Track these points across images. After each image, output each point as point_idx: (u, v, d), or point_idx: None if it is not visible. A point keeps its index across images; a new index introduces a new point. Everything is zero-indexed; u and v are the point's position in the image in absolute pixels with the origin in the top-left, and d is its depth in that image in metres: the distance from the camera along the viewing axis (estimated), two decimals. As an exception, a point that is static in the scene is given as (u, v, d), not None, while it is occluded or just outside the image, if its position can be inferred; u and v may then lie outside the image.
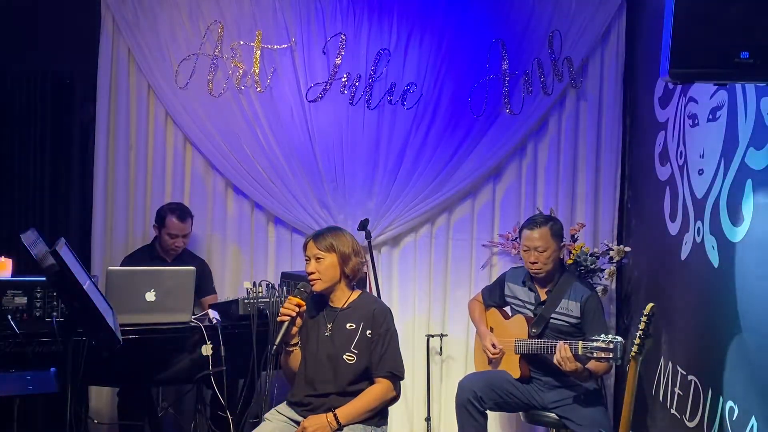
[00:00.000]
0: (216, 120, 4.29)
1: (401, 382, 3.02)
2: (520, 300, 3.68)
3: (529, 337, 3.51)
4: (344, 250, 2.93)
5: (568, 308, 3.50)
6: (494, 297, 3.83)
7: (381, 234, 4.39)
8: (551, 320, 3.51)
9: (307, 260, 2.97)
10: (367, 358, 2.92)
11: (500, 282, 3.82)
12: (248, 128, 4.30)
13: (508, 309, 3.81)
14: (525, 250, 3.57)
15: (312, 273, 2.93)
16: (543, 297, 3.57)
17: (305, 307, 2.92)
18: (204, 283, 4.09)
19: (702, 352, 3.21)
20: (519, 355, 3.54)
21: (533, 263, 3.53)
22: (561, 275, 3.59)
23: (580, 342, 3.21)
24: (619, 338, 3.08)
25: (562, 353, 3.25)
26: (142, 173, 4.30)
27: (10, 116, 4.19)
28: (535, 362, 3.53)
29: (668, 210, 3.66)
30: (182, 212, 4.01)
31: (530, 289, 3.63)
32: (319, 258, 2.93)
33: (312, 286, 2.94)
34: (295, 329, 2.92)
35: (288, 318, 2.86)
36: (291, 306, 2.87)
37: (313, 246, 2.94)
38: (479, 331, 3.79)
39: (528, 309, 3.62)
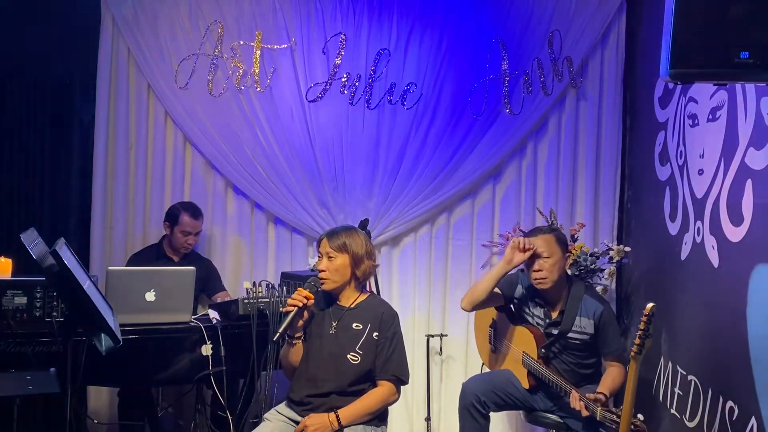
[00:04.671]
0: (216, 120, 4.29)
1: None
2: (529, 311, 3.49)
3: (539, 357, 3.35)
4: (357, 251, 2.93)
5: (582, 326, 3.33)
6: (509, 288, 3.51)
7: (381, 234, 4.39)
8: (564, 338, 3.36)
9: (319, 257, 2.98)
10: (371, 360, 2.91)
11: (514, 281, 3.55)
12: (248, 128, 4.30)
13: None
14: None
15: (323, 271, 2.93)
16: (554, 315, 3.39)
17: (313, 301, 2.90)
18: (214, 282, 4.17)
19: (702, 352, 3.21)
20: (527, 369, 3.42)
21: (537, 271, 3.29)
22: (569, 291, 3.37)
23: (599, 409, 2.95)
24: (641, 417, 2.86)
25: (576, 405, 3.05)
26: (142, 173, 4.30)
27: (10, 116, 4.19)
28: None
29: (668, 210, 3.66)
30: (195, 210, 4.09)
31: (540, 306, 3.43)
32: (331, 257, 2.93)
33: (321, 284, 2.94)
34: (300, 322, 2.91)
35: (294, 308, 2.85)
36: (299, 297, 2.86)
37: (327, 244, 2.94)
38: (497, 265, 3.42)
39: (538, 325, 3.44)
